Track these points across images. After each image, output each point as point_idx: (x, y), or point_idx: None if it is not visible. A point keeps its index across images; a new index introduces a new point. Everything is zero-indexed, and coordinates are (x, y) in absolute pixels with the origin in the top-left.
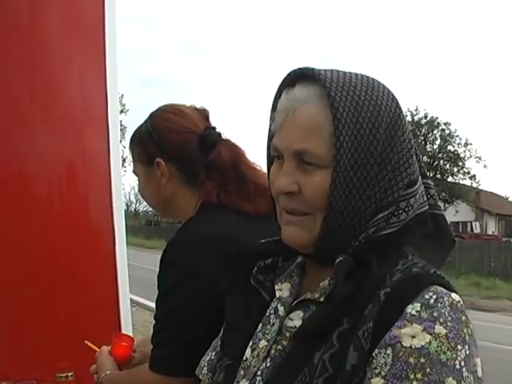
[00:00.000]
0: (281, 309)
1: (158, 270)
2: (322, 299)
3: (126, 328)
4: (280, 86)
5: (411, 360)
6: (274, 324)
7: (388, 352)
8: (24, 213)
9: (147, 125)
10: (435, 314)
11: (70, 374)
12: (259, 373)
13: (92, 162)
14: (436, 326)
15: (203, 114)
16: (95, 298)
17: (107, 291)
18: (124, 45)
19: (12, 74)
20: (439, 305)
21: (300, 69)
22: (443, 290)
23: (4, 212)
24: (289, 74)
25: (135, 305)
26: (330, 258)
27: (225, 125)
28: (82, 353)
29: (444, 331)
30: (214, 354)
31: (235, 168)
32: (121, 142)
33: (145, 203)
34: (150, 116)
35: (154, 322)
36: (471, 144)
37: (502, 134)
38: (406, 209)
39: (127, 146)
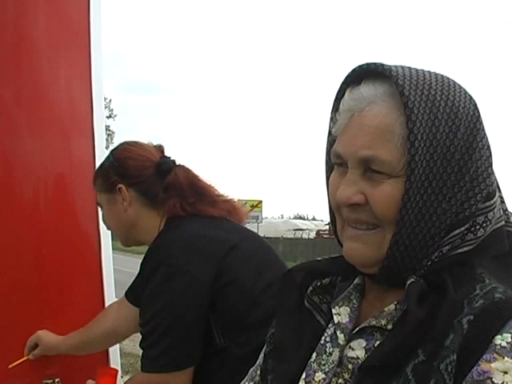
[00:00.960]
0: (340, 336)
1: (139, 277)
2: (389, 326)
3: None
4: (343, 83)
5: None
6: (331, 354)
7: None
8: (9, 218)
9: (109, 157)
10: None
11: (56, 379)
12: None
13: (78, 167)
14: None
15: (159, 148)
16: (81, 303)
17: (93, 295)
18: (114, 50)
19: None
20: None
21: (367, 64)
22: None
23: None
24: (353, 70)
25: None
26: (397, 278)
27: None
28: (68, 359)
29: None
30: (252, 383)
31: (192, 186)
32: (109, 147)
33: None
34: (112, 150)
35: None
36: None
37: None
38: (484, 224)
39: None
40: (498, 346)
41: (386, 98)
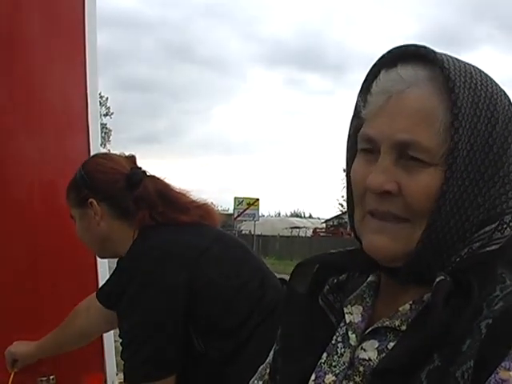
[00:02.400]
0: (352, 337)
1: (111, 282)
2: (403, 327)
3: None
4: (375, 64)
5: None
6: (342, 355)
7: None
8: (3, 216)
9: (80, 171)
10: None
11: (51, 377)
12: None
13: (73, 165)
14: None
15: (131, 159)
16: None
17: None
18: (110, 48)
19: None
20: None
21: (406, 46)
22: None
23: None
24: (390, 51)
25: None
26: (421, 275)
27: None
28: (63, 357)
29: None
30: (261, 383)
31: (161, 196)
32: (105, 145)
33: None
34: (83, 164)
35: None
36: None
37: None
38: (511, 223)
39: (112, 149)
40: None
41: (427, 82)
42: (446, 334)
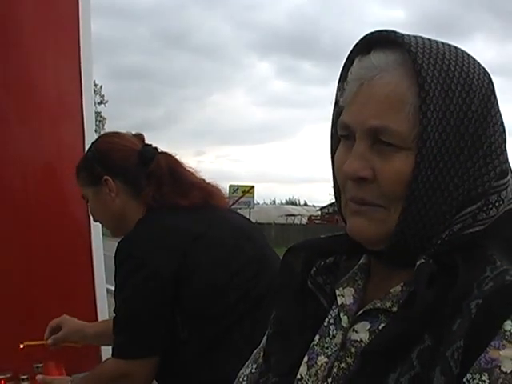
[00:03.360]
0: (344, 318)
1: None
2: (394, 309)
3: (103, 316)
4: (351, 52)
5: None
6: (334, 336)
7: (483, 378)
8: None
9: (92, 149)
10: None
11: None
12: None
13: (67, 154)
14: None
15: (139, 137)
16: (71, 291)
17: (83, 282)
18: (104, 36)
19: None
20: None
21: (378, 31)
22: None
23: None
24: (363, 38)
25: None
26: (404, 258)
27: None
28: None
29: None
30: (254, 366)
31: (171, 172)
32: (100, 133)
33: None
34: (93, 143)
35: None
36: None
37: None
38: (497, 203)
39: None
40: (508, 333)
41: (397, 67)
42: (434, 315)
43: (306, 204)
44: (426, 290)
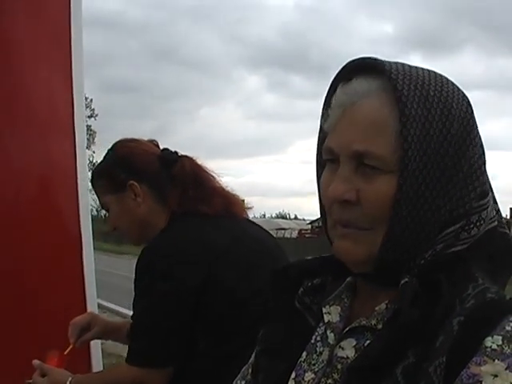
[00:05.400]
0: (331, 336)
1: (133, 274)
2: (379, 326)
3: None
4: (334, 79)
5: None
6: (321, 353)
7: None
8: None
9: (111, 156)
10: None
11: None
12: None
13: (58, 167)
14: None
15: (154, 142)
16: (62, 302)
17: (74, 296)
18: (93, 50)
19: None
20: None
21: (360, 59)
22: None
23: None
24: (345, 66)
25: (105, 311)
26: (389, 277)
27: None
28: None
29: None
30: (243, 382)
31: (196, 176)
32: (90, 147)
33: None
34: (111, 149)
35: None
36: None
37: None
38: (478, 223)
39: (97, 150)
40: (489, 349)
41: (379, 93)
42: (418, 332)
43: (296, 218)
44: (410, 308)
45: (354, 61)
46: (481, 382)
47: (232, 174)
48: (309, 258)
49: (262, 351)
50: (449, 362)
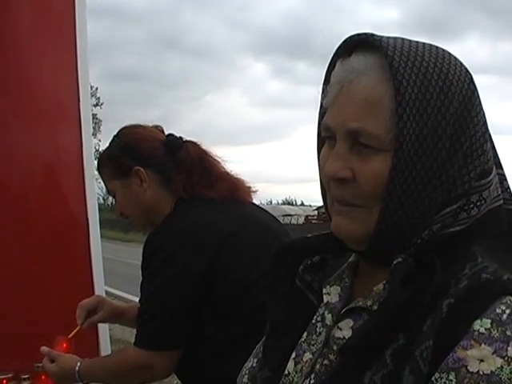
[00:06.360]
0: (328, 316)
1: (141, 258)
2: (375, 307)
3: None
4: (334, 55)
5: None
6: (320, 334)
7: (451, 377)
8: None
9: (117, 142)
10: (508, 333)
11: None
12: None
13: (65, 156)
14: (509, 348)
15: (159, 128)
16: (71, 290)
17: (83, 283)
18: (98, 38)
19: None
20: None
21: (358, 35)
22: None
23: None
24: (344, 41)
25: (113, 298)
26: (387, 257)
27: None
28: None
29: None
30: (255, 361)
31: (201, 160)
32: (96, 135)
33: None
34: (117, 135)
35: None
36: None
37: None
38: (478, 203)
39: (103, 139)
40: (477, 333)
41: (375, 70)
42: (409, 313)
43: (302, 204)
44: (400, 289)
45: (352, 36)
46: (466, 366)
47: (238, 160)
48: (309, 235)
49: (270, 331)
50: (436, 345)
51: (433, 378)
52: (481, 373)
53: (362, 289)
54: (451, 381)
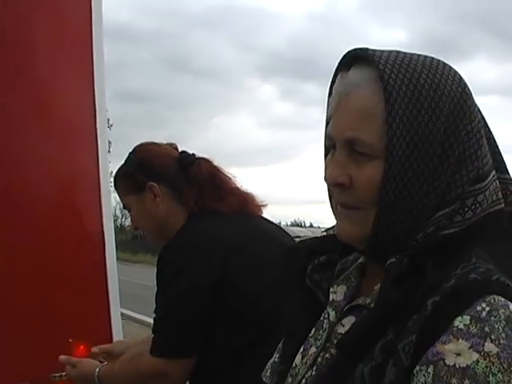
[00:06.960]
0: (332, 313)
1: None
2: (372, 305)
3: (117, 338)
4: (336, 69)
5: (454, 381)
6: (325, 330)
7: (429, 370)
8: (13, 227)
9: (132, 159)
10: (486, 329)
11: (64, 373)
12: (303, 381)
13: (82, 176)
14: (486, 344)
15: (173, 146)
16: (87, 312)
17: (98, 305)
18: (106, 60)
19: (0, 90)
20: (492, 318)
21: (355, 50)
22: (502, 300)
23: None
24: (344, 56)
25: (124, 318)
26: (385, 257)
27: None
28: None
29: (495, 350)
30: (277, 355)
31: (212, 177)
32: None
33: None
34: (132, 152)
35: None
36: None
37: None
38: (473, 207)
39: (113, 160)
40: (456, 328)
41: (370, 83)
42: (400, 311)
43: (311, 225)
44: (390, 288)
45: (350, 51)
46: (444, 359)
47: (245, 182)
48: (317, 236)
49: (284, 328)
50: (420, 340)
51: (414, 371)
52: (457, 366)
53: (367, 288)
54: (429, 373)
